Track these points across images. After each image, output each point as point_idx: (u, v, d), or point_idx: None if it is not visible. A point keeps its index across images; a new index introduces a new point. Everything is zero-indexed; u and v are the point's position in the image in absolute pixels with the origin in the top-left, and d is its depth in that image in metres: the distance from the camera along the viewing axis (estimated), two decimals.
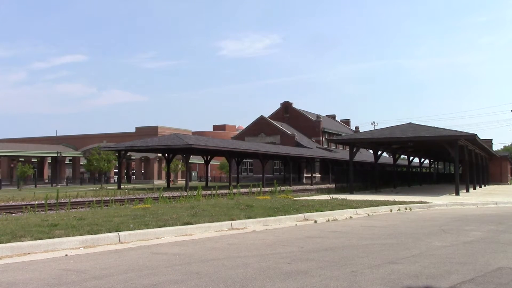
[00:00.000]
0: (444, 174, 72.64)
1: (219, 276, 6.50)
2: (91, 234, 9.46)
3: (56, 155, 74.55)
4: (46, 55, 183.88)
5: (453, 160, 33.51)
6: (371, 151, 53.98)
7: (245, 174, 72.66)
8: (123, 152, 47.07)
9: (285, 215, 13.94)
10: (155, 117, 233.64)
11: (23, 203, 23.10)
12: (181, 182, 74.79)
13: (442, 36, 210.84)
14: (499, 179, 60.66)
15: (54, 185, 66.09)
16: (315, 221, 13.70)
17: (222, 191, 31.79)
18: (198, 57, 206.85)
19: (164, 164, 68.72)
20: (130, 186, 55.42)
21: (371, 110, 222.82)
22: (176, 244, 9.48)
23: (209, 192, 29.74)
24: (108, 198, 24.46)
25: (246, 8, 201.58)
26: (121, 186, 46.05)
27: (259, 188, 28.55)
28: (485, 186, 48.49)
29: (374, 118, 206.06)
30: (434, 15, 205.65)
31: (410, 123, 34.80)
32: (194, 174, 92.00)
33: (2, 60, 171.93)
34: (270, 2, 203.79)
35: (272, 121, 75.04)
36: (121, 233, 9.69)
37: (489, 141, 60.52)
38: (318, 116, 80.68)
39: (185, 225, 11.16)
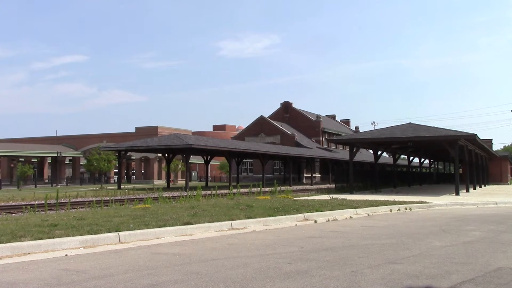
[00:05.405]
0: (444, 174, 72.59)
1: (219, 276, 6.50)
2: (91, 234, 9.45)
3: (56, 155, 74.51)
4: (46, 55, 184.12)
5: (453, 160, 33.51)
6: (371, 151, 53.96)
7: (245, 174, 72.63)
8: (123, 152, 47.06)
9: (285, 215, 13.93)
10: (155, 117, 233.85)
11: (23, 203, 23.07)
12: (181, 182, 74.74)
13: (442, 36, 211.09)
14: (499, 179, 60.67)
15: (54, 185, 66.09)
16: (315, 221, 13.70)
17: (222, 191, 31.78)
18: (198, 57, 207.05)
19: (164, 164, 68.68)
20: (130, 186, 55.39)
21: (371, 110, 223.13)
22: (176, 244, 9.47)
23: (209, 192, 29.73)
24: (108, 198, 24.45)
25: (246, 8, 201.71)
26: (121, 186, 46.04)
27: (259, 188, 28.52)
28: (485, 186, 48.49)
29: (374, 118, 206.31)
30: (435, 15, 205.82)
31: (410, 123, 34.80)
32: (194, 174, 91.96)
33: (2, 60, 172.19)
34: (270, 2, 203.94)
35: (272, 121, 75.02)
36: (121, 233, 9.68)
37: (489, 141, 60.51)
38: (318, 116, 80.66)
39: (185, 225, 11.16)
